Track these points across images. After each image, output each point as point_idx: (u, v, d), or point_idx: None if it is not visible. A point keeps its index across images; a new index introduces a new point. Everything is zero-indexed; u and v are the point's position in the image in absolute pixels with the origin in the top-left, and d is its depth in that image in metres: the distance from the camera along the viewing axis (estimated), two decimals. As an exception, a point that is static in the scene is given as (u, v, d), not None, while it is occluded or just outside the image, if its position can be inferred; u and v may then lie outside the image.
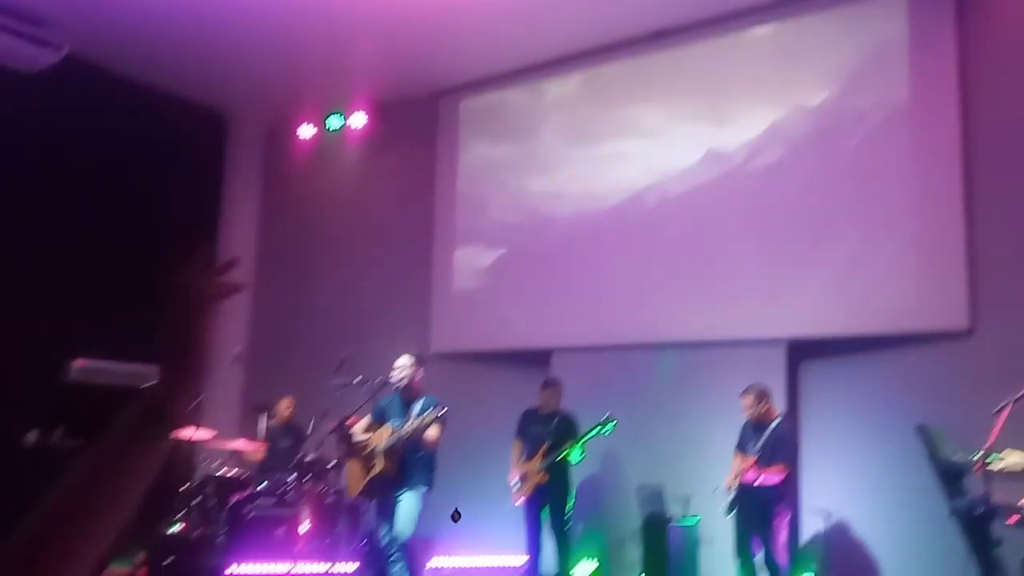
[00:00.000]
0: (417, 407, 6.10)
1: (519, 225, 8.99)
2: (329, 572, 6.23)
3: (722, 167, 7.78)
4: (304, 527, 7.23)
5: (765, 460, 6.16)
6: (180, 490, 7.19)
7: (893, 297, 6.77)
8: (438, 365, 8.59)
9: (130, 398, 1.07)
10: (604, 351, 8.15)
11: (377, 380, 6.26)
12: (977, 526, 4.84)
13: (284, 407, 8.07)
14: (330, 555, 6.87)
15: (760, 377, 7.11)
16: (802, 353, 7.29)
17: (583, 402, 7.37)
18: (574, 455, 7.13)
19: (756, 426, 6.33)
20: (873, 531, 6.52)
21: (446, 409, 5.95)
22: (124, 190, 8.93)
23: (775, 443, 6.18)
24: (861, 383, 6.92)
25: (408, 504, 5.93)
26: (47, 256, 8.29)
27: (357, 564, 7.10)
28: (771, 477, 6.08)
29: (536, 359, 8.45)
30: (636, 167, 8.29)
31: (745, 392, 6.38)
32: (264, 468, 7.76)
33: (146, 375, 7.17)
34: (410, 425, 5.87)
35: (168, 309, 1.05)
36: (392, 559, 6.03)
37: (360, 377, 6.45)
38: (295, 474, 7.46)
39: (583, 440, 7.03)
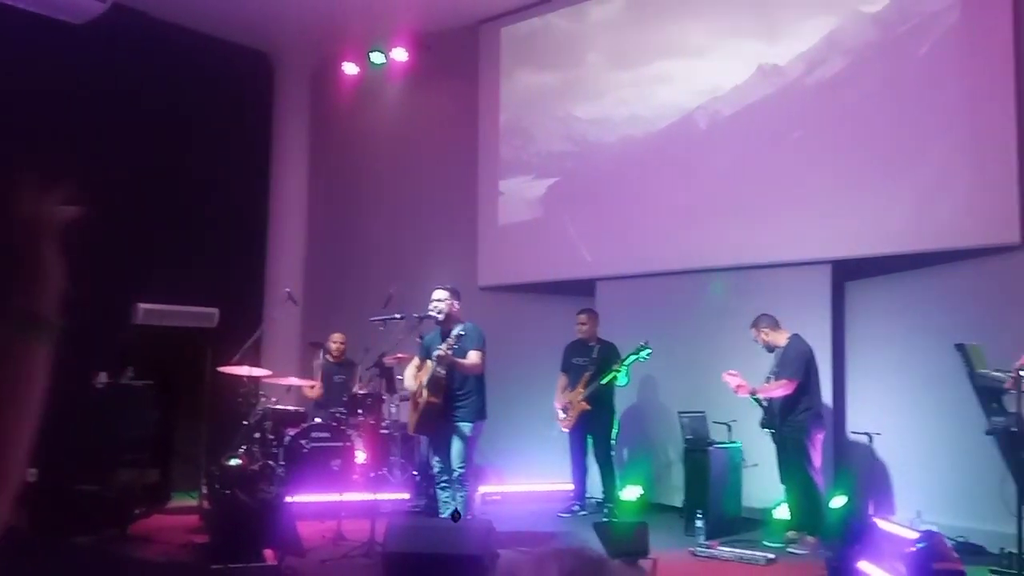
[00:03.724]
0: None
1: (565, 154, 8.92)
2: (382, 501, 6.45)
3: (776, 83, 7.52)
4: (359, 459, 7.53)
5: (775, 379, 6.18)
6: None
7: (942, 213, 6.53)
8: (485, 298, 8.71)
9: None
10: (648, 279, 8.10)
11: (414, 315, 6.32)
12: (1014, 443, 4.74)
13: (335, 343, 8.28)
14: (384, 486, 7.14)
15: (805, 298, 7.04)
16: (848, 273, 7.13)
17: (628, 331, 7.38)
18: (620, 379, 7.19)
19: (771, 351, 6.32)
20: (913, 450, 6.43)
21: (463, 333, 5.81)
22: (176, 136, 9.14)
23: (782, 362, 6.18)
24: (907, 302, 6.75)
25: (459, 437, 5.93)
26: (108, 203, 8.58)
27: (409, 494, 7.37)
28: (775, 390, 6.06)
29: (581, 289, 8.46)
30: (685, 88, 8.08)
31: (751, 327, 6.37)
32: (321, 403, 8.04)
33: (207, 316, 7.45)
34: (440, 350, 5.83)
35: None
36: (441, 486, 6.17)
37: (399, 313, 6.56)
38: (349, 408, 7.74)
39: (619, 369, 7.07)
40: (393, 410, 7.80)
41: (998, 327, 5.60)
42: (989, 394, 5.04)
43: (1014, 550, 4.84)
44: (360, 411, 7.67)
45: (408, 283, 8.53)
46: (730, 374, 6.24)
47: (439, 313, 6.00)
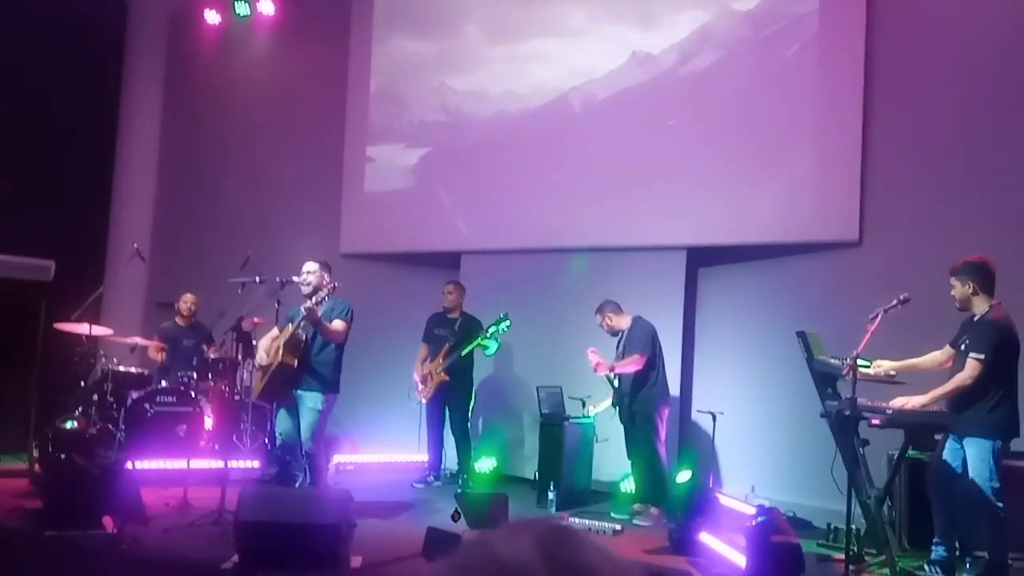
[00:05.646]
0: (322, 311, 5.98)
1: (439, 124, 8.85)
2: (231, 469, 6.25)
3: (650, 71, 7.72)
4: (207, 425, 7.26)
5: (621, 358, 6.42)
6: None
7: (791, 209, 6.94)
8: (346, 265, 8.55)
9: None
10: (513, 255, 8.19)
11: (276, 279, 6.13)
12: (845, 426, 5.11)
13: (186, 304, 7.93)
14: (234, 453, 6.93)
15: (661, 282, 7.32)
16: (702, 260, 7.47)
17: (491, 305, 7.44)
18: (489, 347, 7.24)
19: (615, 335, 6.57)
20: (753, 429, 6.85)
21: (327, 291, 5.69)
22: (16, 76, 8.45)
23: (629, 341, 6.42)
24: (754, 290, 7.16)
25: (310, 409, 5.75)
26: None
27: (258, 462, 7.19)
28: (626, 367, 6.31)
29: (446, 262, 8.46)
30: (560, 68, 8.17)
31: (596, 312, 6.59)
32: (166, 367, 7.69)
33: (42, 269, 6.90)
34: (309, 304, 5.61)
35: None
36: (293, 457, 6.05)
37: (259, 275, 6.35)
38: (200, 372, 7.45)
39: (479, 340, 7.13)
40: (247, 376, 7.57)
41: (836, 318, 6.01)
42: (825, 380, 5.40)
43: (841, 525, 5.23)
44: (211, 376, 7.41)
45: (267, 245, 8.28)
46: (592, 351, 6.42)
47: (308, 285, 5.84)
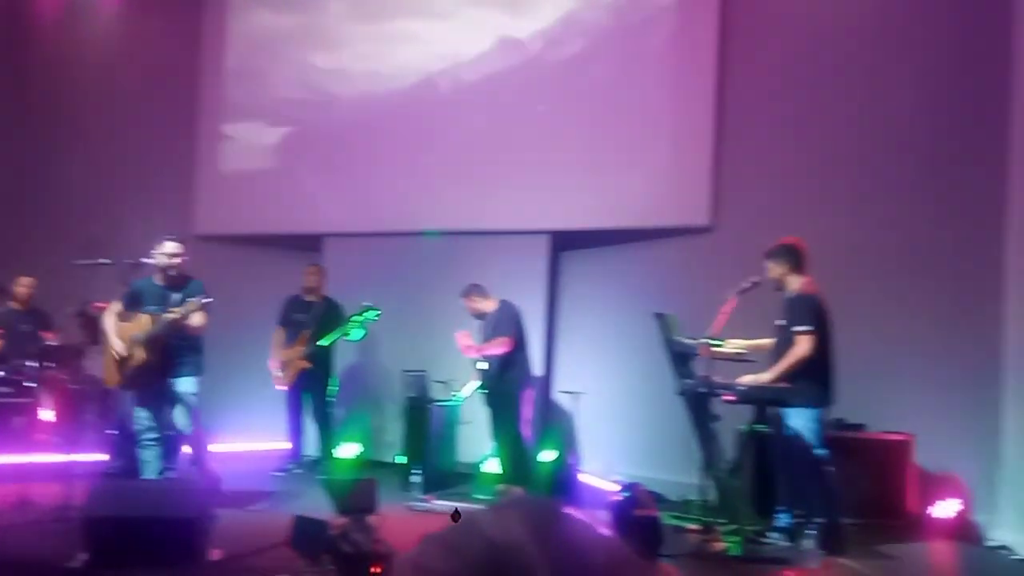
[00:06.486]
0: (179, 296, 5.78)
1: (302, 103, 8.60)
2: (74, 462, 5.90)
3: (517, 56, 7.75)
4: (46, 416, 6.82)
5: (487, 341, 6.49)
6: None
7: (647, 195, 7.18)
8: (201, 247, 8.20)
9: None
10: (377, 238, 8.10)
11: (129, 262, 5.85)
12: (699, 403, 5.36)
13: (23, 287, 7.41)
14: (76, 445, 6.54)
15: (524, 265, 7.44)
16: (564, 244, 7.62)
17: (354, 289, 7.33)
18: (354, 334, 7.11)
19: (480, 318, 6.63)
20: (612, 408, 7.07)
21: (211, 299, 5.69)
22: None
23: (495, 324, 6.51)
24: (614, 273, 7.39)
25: (183, 395, 5.78)
26: None
27: (106, 455, 6.82)
28: (492, 349, 6.40)
29: (308, 244, 8.27)
30: (427, 50, 8.09)
31: (461, 296, 6.65)
32: (2, 355, 7.16)
33: None
34: (173, 314, 5.56)
35: None
36: (145, 445, 5.82)
37: (106, 257, 6.02)
38: (36, 360, 6.97)
39: (343, 330, 7.00)
40: (89, 364, 7.15)
41: (691, 299, 6.25)
42: (681, 359, 5.62)
43: (693, 498, 5.49)
44: (52, 364, 6.95)
45: (113, 226, 7.85)
46: (463, 334, 6.45)
47: (173, 270, 5.69)
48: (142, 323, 5.69)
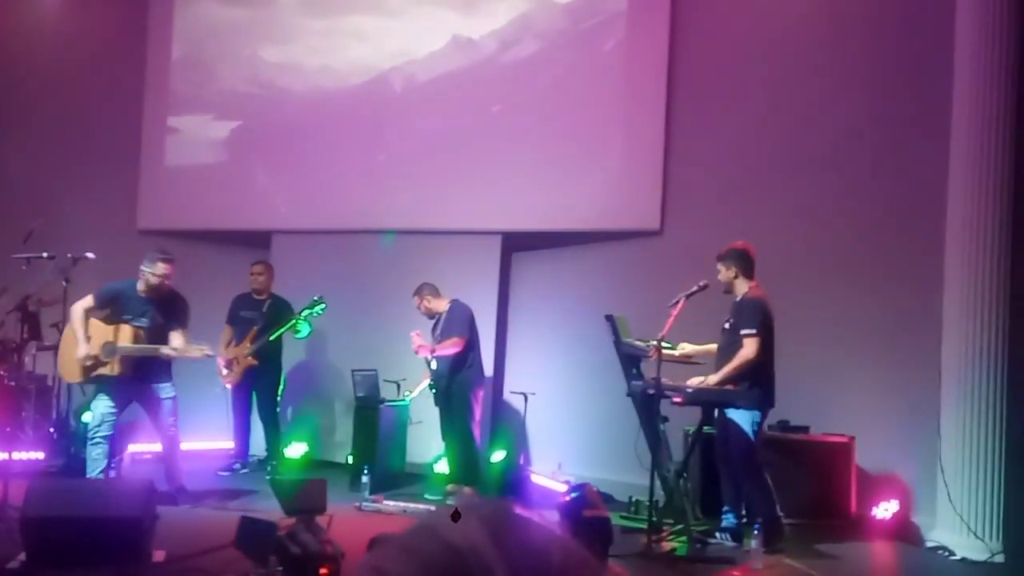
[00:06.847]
0: (159, 314, 5.78)
1: (251, 96, 8.46)
2: (12, 461, 5.74)
3: (471, 56, 7.73)
4: (-19, 413, 6.61)
5: (439, 341, 6.53)
6: None
7: (598, 198, 7.23)
8: (145, 243, 8.03)
9: None
10: (326, 235, 8.02)
11: (68, 255, 5.72)
12: (648, 404, 5.42)
13: (-42, 282, 7.17)
14: (14, 443, 6.35)
15: (476, 266, 7.43)
16: (516, 245, 7.63)
17: (302, 287, 7.26)
18: (302, 330, 7.04)
19: (432, 318, 6.66)
20: (562, 409, 7.11)
21: (213, 355, 6.04)
22: None
23: (447, 324, 6.54)
24: (565, 275, 7.42)
25: (170, 397, 5.90)
26: None
27: (43, 453, 6.65)
28: (445, 349, 6.41)
29: (256, 241, 8.15)
30: (379, 47, 8.02)
31: (414, 295, 6.67)
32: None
33: None
34: (175, 351, 5.69)
35: None
36: (96, 442, 5.70)
37: (46, 251, 5.86)
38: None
39: (291, 323, 6.93)
40: (28, 360, 6.94)
41: (641, 302, 6.32)
42: (630, 361, 5.69)
43: (641, 498, 5.55)
44: (-14, 360, 6.76)
45: (55, 218, 7.63)
46: (416, 334, 6.45)
47: (157, 282, 5.71)
48: (123, 334, 5.58)
